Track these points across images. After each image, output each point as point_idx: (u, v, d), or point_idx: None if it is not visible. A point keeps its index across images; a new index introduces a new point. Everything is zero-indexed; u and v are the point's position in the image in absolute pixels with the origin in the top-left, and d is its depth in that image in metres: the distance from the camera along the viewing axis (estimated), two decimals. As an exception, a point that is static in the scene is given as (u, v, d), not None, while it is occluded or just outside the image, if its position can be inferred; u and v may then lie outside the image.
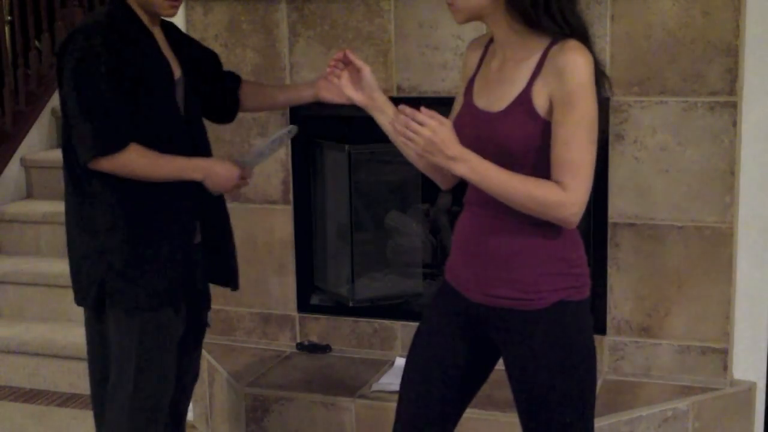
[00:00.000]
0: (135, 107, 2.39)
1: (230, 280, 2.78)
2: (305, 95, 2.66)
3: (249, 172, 2.57)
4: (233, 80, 2.77)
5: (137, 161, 2.40)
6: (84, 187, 2.48)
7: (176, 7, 2.49)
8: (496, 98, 2.03)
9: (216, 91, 2.72)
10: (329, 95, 2.53)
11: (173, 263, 2.51)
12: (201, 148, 2.62)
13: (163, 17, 2.54)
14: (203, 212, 2.63)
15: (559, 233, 2.03)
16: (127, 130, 2.39)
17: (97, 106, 2.36)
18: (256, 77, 3.47)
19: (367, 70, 2.24)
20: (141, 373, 2.51)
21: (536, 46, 1.99)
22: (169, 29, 2.63)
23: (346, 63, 2.28)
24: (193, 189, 2.53)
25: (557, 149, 1.94)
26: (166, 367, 2.57)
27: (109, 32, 2.39)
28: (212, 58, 2.76)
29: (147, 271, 2.48)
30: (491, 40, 2.13)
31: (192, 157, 2.52)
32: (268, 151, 2.63)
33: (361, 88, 2.25)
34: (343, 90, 2.28)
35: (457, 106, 2.18)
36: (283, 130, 2.63)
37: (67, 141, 2.47)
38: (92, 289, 2.51)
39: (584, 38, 1.98)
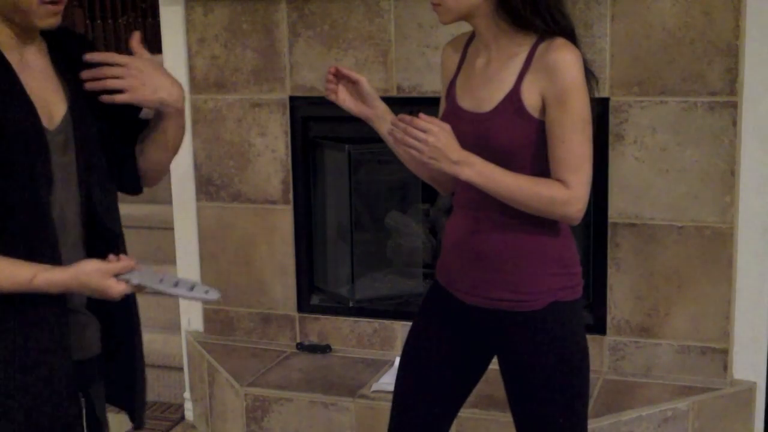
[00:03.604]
0: None
1: (134, 409, 1.99)
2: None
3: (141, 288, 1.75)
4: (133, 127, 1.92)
5: None
6: None
7: (57, 15, 1.72)
8: (483, 98, 2.01)
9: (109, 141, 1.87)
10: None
11: (41, 391, 1.72)
12: (99, 220, 1.82)
13: (39, 28, 1.74)
14: (100, 309, 1.86)
15: (551, 233, 2.03)
16: None
17: None
18: (256, 77, 3.47)
19: (363, 81, 2.13)
20: None
21: (522, 44, 1.98)
22: (60, 41, 1.83)
23: (340, 77, 2.15)
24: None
25: (555, 147, 1.93)
26: None
27: None
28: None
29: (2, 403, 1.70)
30: (469, 41, 2.11)
31: (53, 269, 1.69)
32: (178, 294, 1.82)
33: (361, 100, 2.14)
34: (343, 104, 2.15)
35: (441, 111, 2.15)
36: (210, 294, 1.80)
37: None
38: None
39: (571, 36, 1.97)
